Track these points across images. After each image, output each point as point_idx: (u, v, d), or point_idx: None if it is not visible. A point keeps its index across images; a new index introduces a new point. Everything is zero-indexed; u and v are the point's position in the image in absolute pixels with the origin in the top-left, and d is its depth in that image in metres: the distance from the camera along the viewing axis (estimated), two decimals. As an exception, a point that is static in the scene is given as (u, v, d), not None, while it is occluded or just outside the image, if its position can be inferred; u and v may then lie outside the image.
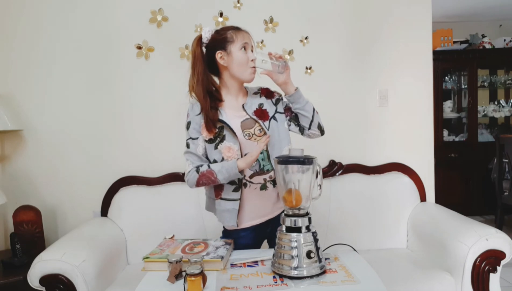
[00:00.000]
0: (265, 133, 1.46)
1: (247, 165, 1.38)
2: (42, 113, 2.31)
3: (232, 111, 1.47)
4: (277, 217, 1.47)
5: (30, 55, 2.29)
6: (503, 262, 1.74)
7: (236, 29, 1.46)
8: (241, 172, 1.39)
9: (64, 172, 2.32)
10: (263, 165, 1.45)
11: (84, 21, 2.30)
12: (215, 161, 1.43)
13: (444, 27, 4.30)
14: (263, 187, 1.47)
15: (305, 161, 1.24)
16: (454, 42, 4.28)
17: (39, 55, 2.29)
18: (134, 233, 2.13)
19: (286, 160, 1.26)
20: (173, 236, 1.54)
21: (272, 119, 1.49)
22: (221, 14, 2.33)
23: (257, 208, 1.49)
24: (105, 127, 2.33)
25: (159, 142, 2.33)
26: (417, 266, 1.92)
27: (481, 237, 1.73)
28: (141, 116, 2.33)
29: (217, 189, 1.47)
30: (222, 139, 1.42)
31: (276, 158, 1.28)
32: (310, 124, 1.51)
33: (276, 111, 1.51)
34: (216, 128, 1.42)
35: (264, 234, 1.53)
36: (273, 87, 1.55)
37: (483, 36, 4.33)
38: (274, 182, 1.48)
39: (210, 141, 1.43)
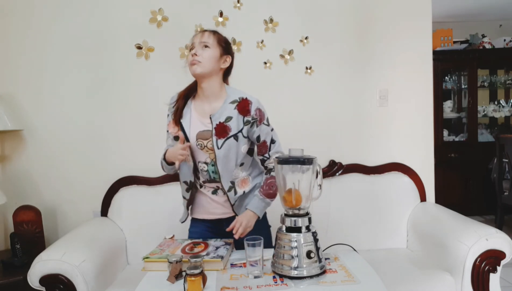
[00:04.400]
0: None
1: (169, 157, 1.47)
2: (42, 113, 2.31)
3: (198, 116, 1.50)
4: (231, 219, 1.52)
5: (30, 55, 2.29)
6: (503, 262, 1.74)
7: (198, 32, 1.49)
8: (171, 164, 1.49)
9: (64, 172, 2.32)
10: (214, 177, 1.51)
11: (85, 21, 2.29)
12: None
13: (444, 27, 4.30)
14: (214, 192, 1.55)
15: (305, 161, 1.24)
16: (454, 42, 4.28)
17: (39, 55, 2.29)
18: (134, 233, 2.13)
19: (286, 160, 1.26)
20: (173, 236, 1.54)
21: (232, 138, 1.45)
22: (221, 14, 2.33)
23: (208, 206, 1.57)
24: (105, 127, 2.33)
25: (159, 142, 2.29)
26: (417, 266, 1.92)
27: (481, 237, 1.72)
28: (141, 116, 2.33)
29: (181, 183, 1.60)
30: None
31: (276, 157, 1.28)
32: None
33: (240, 131, 1.45)
34: (178, 125, 1.50)
35: (220, 229, 1.56)
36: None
37: (483, 36, 4.33)
38: (223, 191, 1.52)
39: (175, 138, 1.51)
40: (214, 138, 1.44)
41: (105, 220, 2.18)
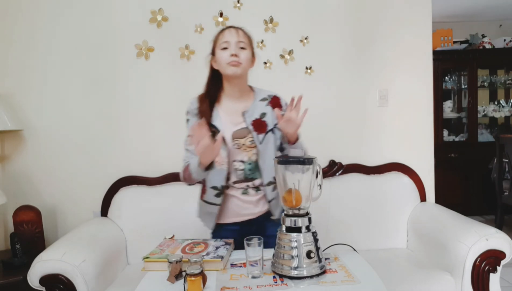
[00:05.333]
0: (255, 146, 1.47)
1: (204, 160, 1.34)
2: (42, 113, 2.31)
3: (228, 117, 1.48)
4: (260, 218, 1.53)
5: (30, 55, 2.29)
6: (503, 262, 1.74)
7: (225, 29, 1.47)
8: (208, 167, 1.38)
9: (64, 172, 2.32)
10: (248, 175, 1.49)
11: (84, 21, 2.29)
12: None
13: (444, 27, 4.30)
14: (245, 192, 1.51)
15: (305, 161, 1.24)
16: (454, 42, 4.28)
17: (39, 55, 2.29)
18: (134, 233, 2.13)
19: (286, 160, 1.26)
20: (173, 236, 1.54)
21: (270, 132, 1.49)
22: (221, 14, 2.33)
23: (238, 208, 1.52)
24: (105, 127, 2.33)
25: (159, 142, 2.33)
26: (417, 266, 1.92)
27: (481, 237, 1.72)
28: (141, 116, 2.33)
29: (202, 190, 1.54)
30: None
31: (276, 158, 1.28)
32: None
33: (275, 126, 1.50)
34: (209, 127, 1.43)
35: (250, 230, 1.53)
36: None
37: (483, 36, 4.33)
38: (257, 188, 1.51)
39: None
40: (254, 134, 1.45)
41: (105, 220, 2.18)
